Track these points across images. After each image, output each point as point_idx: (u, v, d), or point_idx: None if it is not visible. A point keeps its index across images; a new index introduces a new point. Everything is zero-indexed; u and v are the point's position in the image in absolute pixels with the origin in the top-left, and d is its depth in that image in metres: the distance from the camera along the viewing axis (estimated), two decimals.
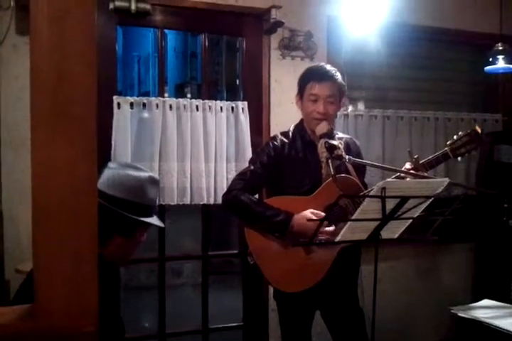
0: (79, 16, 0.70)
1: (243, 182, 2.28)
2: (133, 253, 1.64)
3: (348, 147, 2.34)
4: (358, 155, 2.37)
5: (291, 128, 2.39)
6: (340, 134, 2.45)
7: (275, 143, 2.33)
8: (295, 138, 2.34)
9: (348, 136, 2.50)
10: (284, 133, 2.37)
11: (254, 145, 2.98)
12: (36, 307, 0.72)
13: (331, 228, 2.13)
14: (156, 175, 1.63)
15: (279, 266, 2.22)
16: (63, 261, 0.72)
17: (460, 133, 2.20)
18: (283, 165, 2.29)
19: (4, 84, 2.66)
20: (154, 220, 1.59)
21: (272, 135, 2.66)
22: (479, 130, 2.18)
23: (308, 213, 2.15)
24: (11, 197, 2.66)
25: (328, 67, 2.31)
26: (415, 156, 2.17)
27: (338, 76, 2.29)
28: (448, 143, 2.20)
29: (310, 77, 2.27)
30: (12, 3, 2.58)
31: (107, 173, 1.52)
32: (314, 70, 2.30)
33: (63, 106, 0.71)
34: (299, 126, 2.37)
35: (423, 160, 2.17)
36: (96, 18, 0.78)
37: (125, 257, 1.61)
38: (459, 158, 2.19)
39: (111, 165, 1.56)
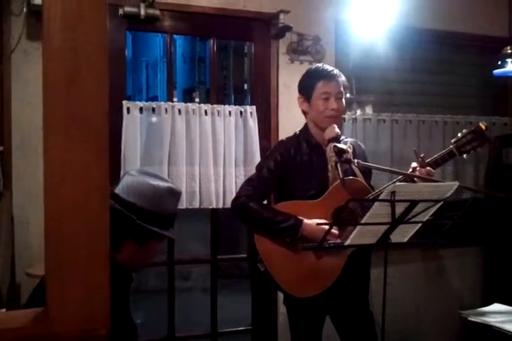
0: (92, 22, 0.71)
1: (251, 188, 2.29)
2: (146, 263, 1.61)
3: (354, 150, 2.34)
4: (364, 158, 2.38)
5: (297, 133, 2.40)
6: (345, 138, 2.45)
7: (281, 148, 2.34)
8: (300, 143, 2.34)
9: (353, 140, 2.50)
10: (290, 138, 2.39)
11: (263, 150, 2.98)
12: (48, 311, 0.73)
13: (339, 240, 2.12)
14: (177, 187, 1.57)
15: (290, 270, 2.21)
16: (75, 264, 0.73)
17: (464, 130, 2.19)
18: (290, 170, 2.30)
19: (15, 89, 2.68)
20: (167, 232, 1.55)
21: (279, 139, 2.67)
22: (483, 127, 2.17)
23: (320, 221, 2.15)
24: (22, 202, 2.68)
25: (328, 66, 2.37)
26: (421, 155, 2.17)
27: (341, 74, 2.35)
28: (453, 140, 2.20)
29: (319, 77, 2.29)
30: (24, 9, 2.61)
31: (126, 179, 1.51)
32: (320, 70, 2.34)
33: (75, 111, 0.72)
34: (304, 130, 2.38)
35: (429, 159, 2.17)
36: None
37: (137, 265, 1.58)
38: (465, 156, 2.19)
39: (132, 172, 1.55)
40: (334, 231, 2.11)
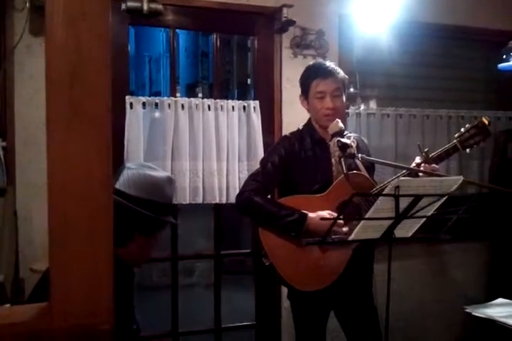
0: (94, 17, 0.71)
1: (255, 183, 2.29)
2: (150, 255, 1.63)
3: (358, 145, 2.34)
4: (367, 153, 2.38)
5: (301, 128, 2.40)
6: (349, 133, 2.44)
7: (285, 142, 2.34)
8: (304, 137, 2.34)
9: (356, 135, 2.50)
10: (294, 133, 2.39)
11: (266, 145, 2.98)
12: (51, 305, 0.73)
13: (346, 229, 2.12)
14: (172, 175, 1.66)
15: (295, 265, 2.21)
16: (79, 259, 0.73)
17: (467, 125, 2.22)
18: (294, 165, 2.30)
19: (18, 85, 2.68)
20: (172, 218, 1.62)
21: (282, 134, 2.66)
22: (486, 121, 2.20)
23: (325, 213, 2.15)
24: (25, 197, 2.68)
25: (328, 62, 2.34)
26: (425, 150, 2.19)
27: (339, 70, 2.31)
28: (456, 135, 2.24)
29: (313, 76, 2.29)
30: (27, 5, 2.60)
31: (126, 174, 1.51)
32: (315, 68, 2.32)
33: (78, 107, 0.71)
34: (308, 125, 2.38)
35: (433, 154, 2.19)
36: None
37: (144, 257, 1.61)
38: (468, 150, 2.22)
39: (130, 165, 1.55)
40: (340, 221, 2.11)
